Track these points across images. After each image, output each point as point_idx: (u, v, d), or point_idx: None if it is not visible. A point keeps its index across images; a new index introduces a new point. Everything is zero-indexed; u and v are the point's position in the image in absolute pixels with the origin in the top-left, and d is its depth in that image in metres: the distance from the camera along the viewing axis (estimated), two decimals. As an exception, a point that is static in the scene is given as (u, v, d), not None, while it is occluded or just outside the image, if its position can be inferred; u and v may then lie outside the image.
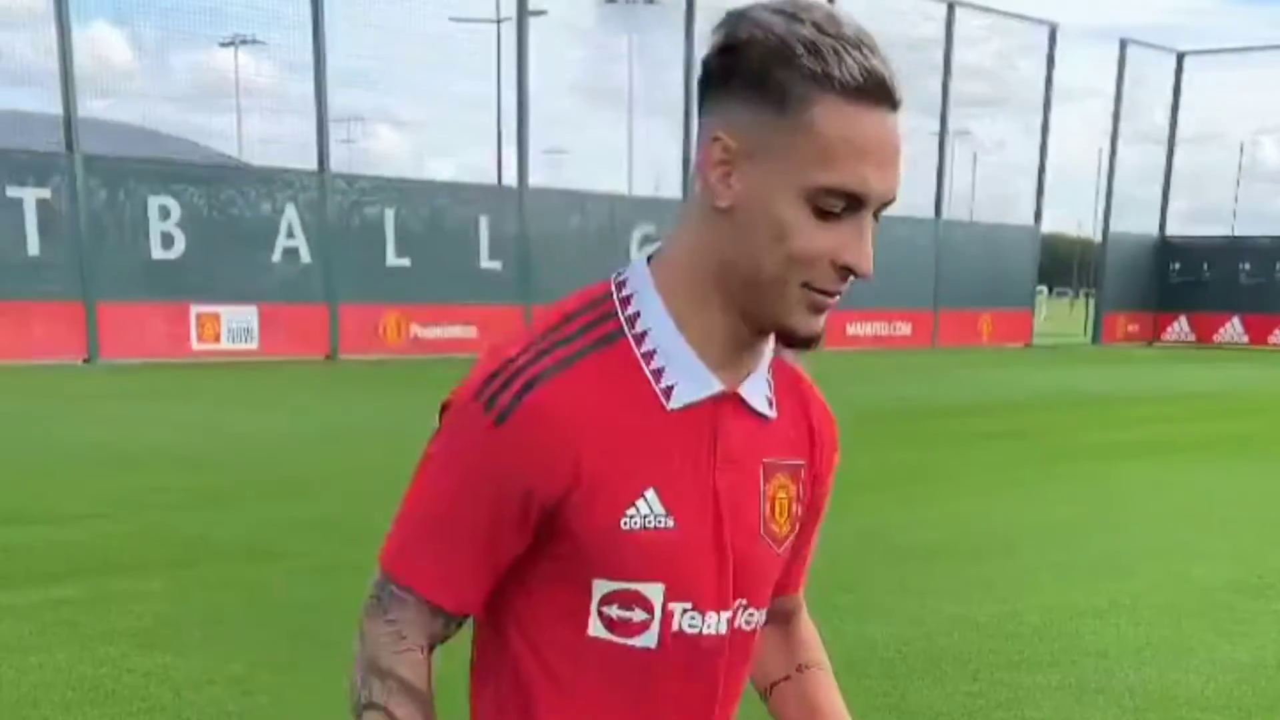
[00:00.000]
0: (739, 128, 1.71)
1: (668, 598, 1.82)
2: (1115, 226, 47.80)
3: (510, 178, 33.67)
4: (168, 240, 27.13)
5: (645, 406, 1.78)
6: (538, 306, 29.63)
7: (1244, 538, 10.76)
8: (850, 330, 39.27)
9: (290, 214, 28.82)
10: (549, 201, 33.55)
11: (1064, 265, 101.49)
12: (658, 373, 1.78)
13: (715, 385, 1.80)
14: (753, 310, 1.77)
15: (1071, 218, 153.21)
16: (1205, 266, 47.94)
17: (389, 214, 30.40)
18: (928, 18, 41.35)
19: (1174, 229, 49.26)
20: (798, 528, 2.00)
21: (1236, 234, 49.00)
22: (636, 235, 34.48)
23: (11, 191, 25.05)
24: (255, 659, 6.71)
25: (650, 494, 1.78)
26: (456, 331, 31.13)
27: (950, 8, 41.82)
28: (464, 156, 35.17)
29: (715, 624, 1.86)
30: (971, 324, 42.47)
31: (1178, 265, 48.36)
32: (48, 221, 25.45)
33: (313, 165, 29.45)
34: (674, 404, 1.78)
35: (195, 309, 27.27)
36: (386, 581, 1.82)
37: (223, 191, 28.19)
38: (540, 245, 32.63)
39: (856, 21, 1.71)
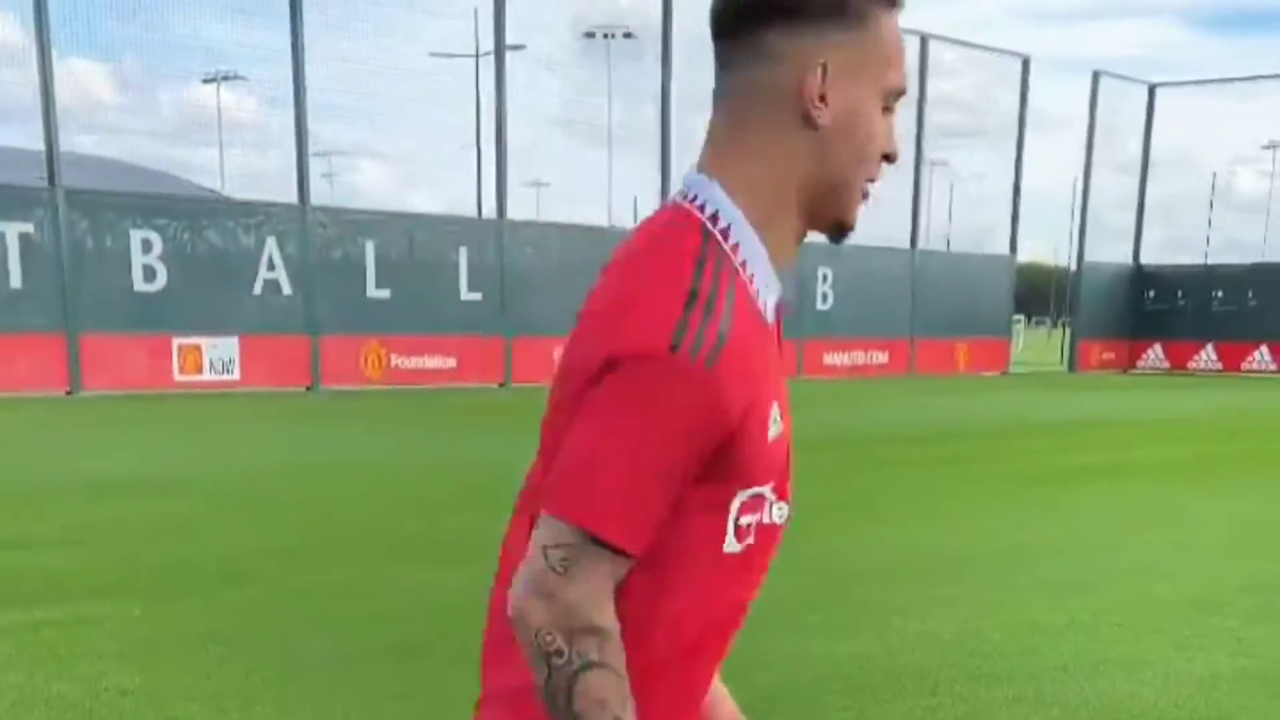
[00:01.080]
0: (831, 50, 1.87)
1: (773, 495, 1.99)
2: (1090, 255, 48.17)
3: (490, 210, 33.90)
4: (150, 273, 27.24)
5: (761, 325, 1.92)
6: (517, 338, 29.70)
7: (1208, 557, 10.91)
8: (828, 360, 39.49)
9: (271, 246, 28.95)
10: (529, 233, 33.77)
11: (1042, 294, 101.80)
12: (757, 291, 1.91)
13: (777, 285, 1.97)
14: (823, 213, 1.98)
15: (1049, 247, 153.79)
16: (1179, 294, 48.33)
17: (369, 246, 30.54)
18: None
19: (1149, 257, 49.65)
20: None
21: (1210, 262, 49.36)
22: (616, 266, 34.64)
23: (-6, 225, 25.23)
24: (231, 677, 6.84)
25: (775, 405, 1.92)
26: (436, 363, 31.28)
27: (923, 40, 42.13)
28: (445, 189, 35.31)
29: (783, 514, 2.04)
30: (948, 353, 42.69)
31: (1152, 293, 48.75)
32: (30, 255, 25.59)
33: (293, 198, 29.64)
34: (769, 317, 1.95)
35: (177, 341, 27.36)
36: (581, 538, 1.80)
37: (204, 225, 28.36)
38: (520, 277, 32.84)
39: None
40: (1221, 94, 47.91)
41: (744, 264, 1.89)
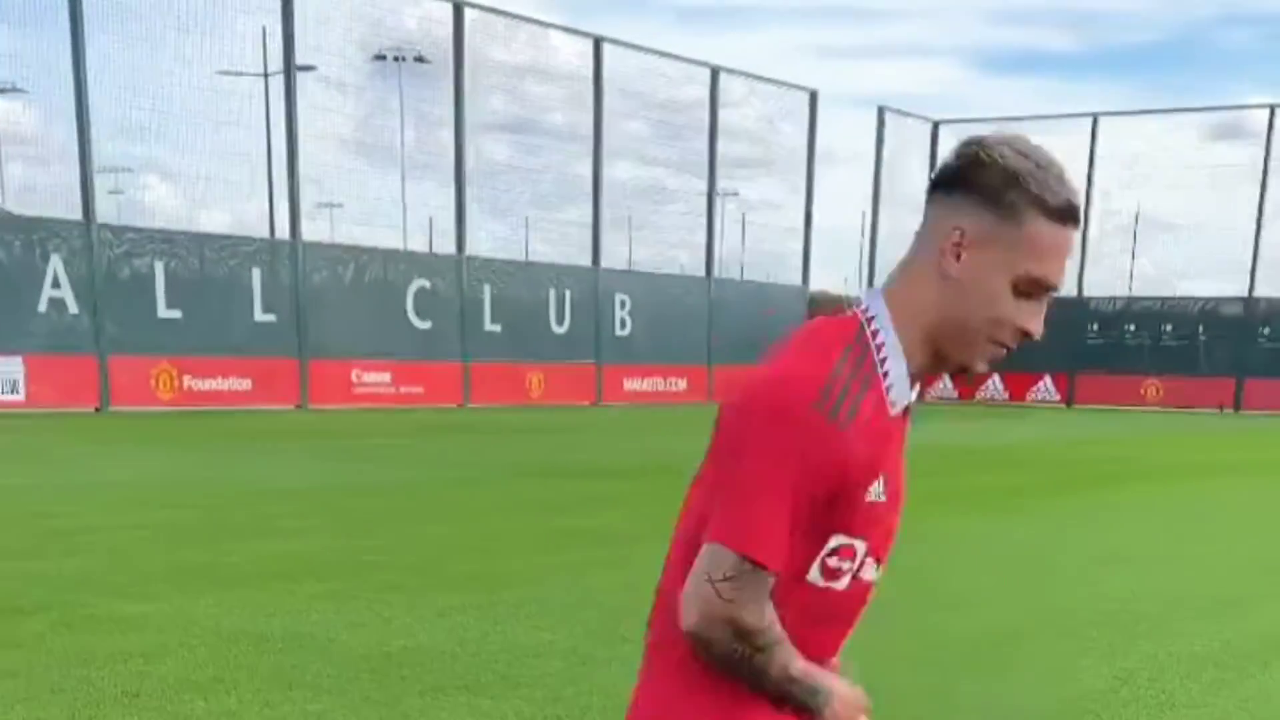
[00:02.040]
0: (974, 224, 2.37)
1: (866, 552, 2.41)
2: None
3: (283, 231, 33.42)
4: (-75, 290, 26.44)
5: (885, 413, 2.38)
6: (314, 360, 29.21)
7: (1013, 588, 10.99)
8: (628, 385, 39.76)
9: (55, 263, 28.28)
10: (323, 255, 33.42)
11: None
12: (888, 388, 2.39)
13: (909, 395, 2.44)
14: (947, 352, 2.44)
15: (837, 278, 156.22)
16: (965, 326, 49.58)
17: (159, 266, 29.97)
18: (691, 80, 42.23)
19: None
20: None
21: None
22: (412, 289, 34.49)
23: None
24: (19, 716, 6.52)
25: (881, 477, 2.36)
26: (231, 384, 30.71)
27: (714, 72, 42.71)
28: (236, 210, 34.60)
29: (874, 571, 2.47)
30: (744, 380, 43.08)
31: (939, 325, 49.96)
32: None
33: (79, 215, 28.91)
34: (894, 411, 2.40)
35: (-42, 356, 26.53)
36: (743, 561, 2.27)
37: (-18, 240, 27.54)
38: (315, 298, 32.44)
39: (1062, 164, 2.39)
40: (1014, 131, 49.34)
41: (883, 361, 2.39)
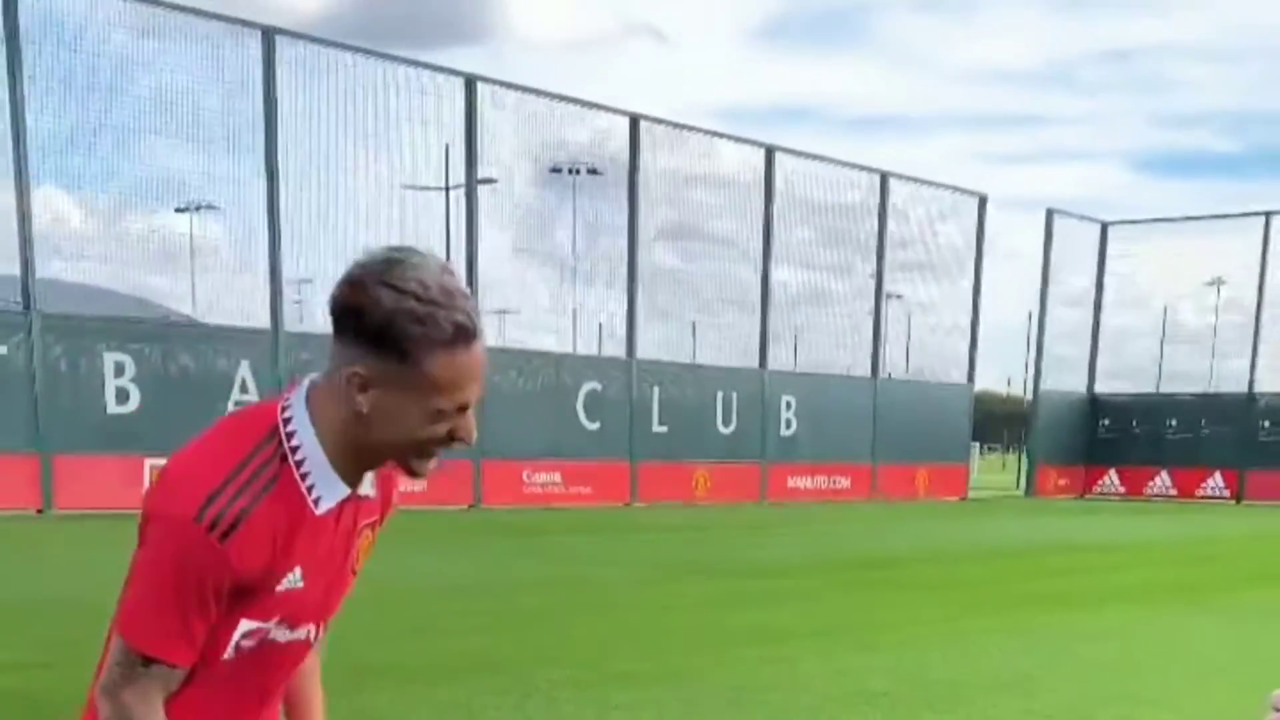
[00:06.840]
0: (369, 367, 2.36)
1: (277, 626, 2.52)
2: (1044, 385, 49.18)
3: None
4: (122, 395, 27.71)
5: (303, 513, 2.44)
6: (486, 460, 29.60)
7: (1196, 685, 10.70)
8: (791, 483, 39.95)
9: (244, 370, 29.48)
10: (495, 360, 33.93)
11: (995, 422, 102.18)
12: (310, 488, 2.45)
13: (344, 490, 2.49)
14: (372, 461, 2.49)
15: (1001, 376, 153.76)
16: (1134, 422, 49.25)
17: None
18: (856, 185, 42.84)
19: (1100, 388, 50.67)
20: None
21: (1162, 391, 50.28)
22: (583, 391, 35.20)
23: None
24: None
25: (297, 569, 2.46)
26: (407, 484, 31.26)
27: (883, 177, 43.20)
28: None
29: (293, 634, 2.57)
30: (909, 477, 43.18)
31: (1107, 421, 49.70)
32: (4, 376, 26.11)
33: (265, 324, 30.27)
34: (321, 510, 2.47)
35: (149, 461, 27.58)
36: (135, 656, 2.41)
37: (176, 348, 28.87)
38: (487, 403, 33.07)
39: (441, 279, 2.36)
40: (1166, 233, 49.50)
41: (300, 464, 2.43)
